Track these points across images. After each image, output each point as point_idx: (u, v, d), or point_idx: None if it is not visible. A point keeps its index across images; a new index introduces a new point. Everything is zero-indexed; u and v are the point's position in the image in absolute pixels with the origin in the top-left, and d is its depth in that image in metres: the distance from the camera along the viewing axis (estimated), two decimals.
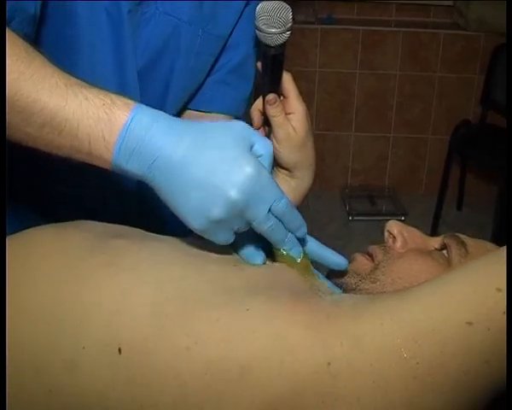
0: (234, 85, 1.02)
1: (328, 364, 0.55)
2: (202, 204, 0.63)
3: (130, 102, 0.66)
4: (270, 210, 0.64)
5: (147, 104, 0.95)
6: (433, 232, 2.94)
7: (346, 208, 3.26)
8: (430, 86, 3.29)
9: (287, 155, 0.86)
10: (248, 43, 1.01)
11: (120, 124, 0.63)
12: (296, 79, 0.87)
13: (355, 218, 3.20)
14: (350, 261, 0.76)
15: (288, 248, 0.70)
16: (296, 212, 0.68)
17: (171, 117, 0.67)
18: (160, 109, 0.99)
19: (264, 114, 0.85)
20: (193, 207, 0.63)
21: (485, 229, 2.79)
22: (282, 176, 0.89)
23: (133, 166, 0.64)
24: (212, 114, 1.01)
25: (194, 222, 0.64)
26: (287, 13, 0.80)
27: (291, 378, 0.55)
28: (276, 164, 0.89)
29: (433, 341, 0.54)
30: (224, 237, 0.66)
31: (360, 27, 3.20)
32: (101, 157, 0.64)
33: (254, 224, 0.65)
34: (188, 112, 1.02)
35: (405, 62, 3.25)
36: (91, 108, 0.64)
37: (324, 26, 3.20)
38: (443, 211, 3.02)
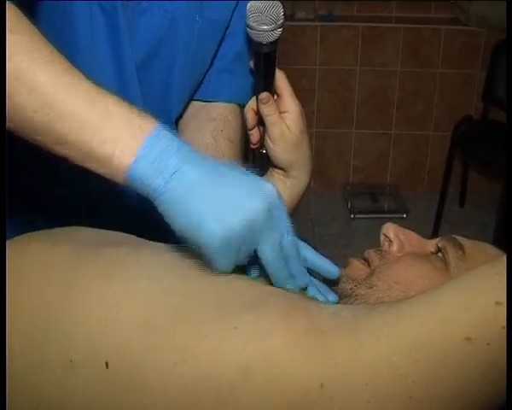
0: (239, 73, 1.00)
1: (321, 385, 0.53)
2: (223, 214, 0.61)
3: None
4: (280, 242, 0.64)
5: (150, 95, 0.95)
6: (436, 230, 2.93)
7: (347, 206, 3.25)
8: (431, 82, 3.27)
9: (281, 154, 0.85)
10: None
11: (153, 125, 0.63)
12: (296, 77, 0.86)
13: (357, 216, 3.19)
14: (345, 266, 0.74)
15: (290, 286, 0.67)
16: (298, 259, 0.67)
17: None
18: (165, 100, 0.99)
19: (258, 113, 0.85)
20: (213, 218, 0.61)
21: (488, 226, 2.77)
22: (277, 176, 0.88)
23: (153, 175, 0.61)
24: (218, 103, 1.00)
25: (211, 234, 0.60)
26: (277, 10, 0.79)
27: (281, 400, 0.54)
28: (272, 164, 0.88)
29: (430, 358, 0.53)
30: (228, 259, 0.63)
31: (360, 24, 3.19)
32: (124, 154, 0.62)
33: (264, 248, 0.63)
34: (193, 103, 1.01)
35: (406, 59, 3.24)
36: (123, 108, 0.64)
37: (324, 24, 3.19)
38: (445, 208, 3.01)
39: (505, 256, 0.55)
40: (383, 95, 3.31)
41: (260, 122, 0.86)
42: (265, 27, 0.79)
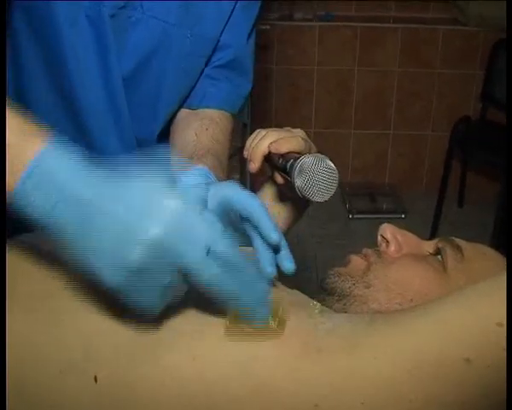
0: (227, 80, 1.00)
1: (316, 405, 0.52)
2: (117, 248, 0.50)
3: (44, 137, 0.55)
4: (208, 254, 0.52)
5: (137, 106, 0.95)
6: (434, 230, 2.92)
7: (346, 207, 3.24)
8: (430, 83, 3.27)
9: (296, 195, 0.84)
10: (239, 42, 1.00)
11: (32, 153, 0.53)
12: (295, 77, 0.86)
13: (355, 216, 3.18)
14: (345, 264, 0.74)
15: (249, 309, 0.54)
16: (254, 200, 0.56)
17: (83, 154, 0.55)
18: (153, 112, 0.99)
19: (269, 162, 0.77)
20: (106, 254, 0.50)
21: (487, 226, 2.77)
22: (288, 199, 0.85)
23: (37, 202, 0.52)
24: (205, 110, 1.00)
25: (109, 276, 0.50)
26: (333, 183, 0.71)
27: None
28: (282, 196, 0.85)
29: (429, 377, 0.51)
30: (152, 299, 0.52)
31: (359, 24, 3.18)
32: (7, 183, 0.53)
33: (191, 273, 0.52)
34: (181, 110, 1.01)
35: (404, 59, 3.23)
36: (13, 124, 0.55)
37: (323, 24, 3.18)
38: (444, 208, 3.00)
39: (505, 273, 0.54)
40: (382, 95, 3.30)
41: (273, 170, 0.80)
42: (316, 199, 0.73)
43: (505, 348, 0.50)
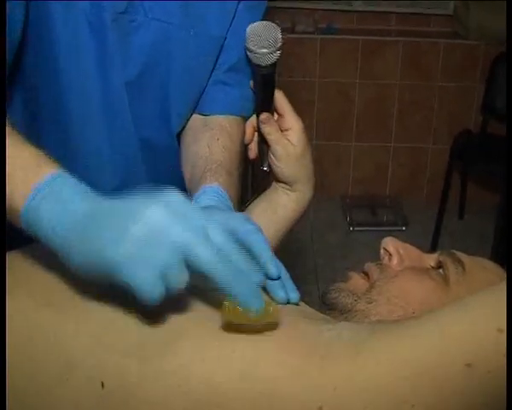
0: (234, 84, 1.00)
1: (320, 408, 0.53)
2: (118, 227, 0.53)
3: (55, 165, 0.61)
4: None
5: (148, 111, 0.95)
6: (435, 241, 2.92)
7: (346, 219, 3.25)
8: (430, 95, 3.28)
9: (286, 170, 0.88)
10: (244, 43, 1.00)
11: (41, 177, 0.59)
12: (296, 89, 0.89)
13: (356, 228, 3.19)
14: (345, 280, 0.74)
15: (245, 297, 0.55)
16: (258, 235, 0.60)
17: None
18: (164, 115, 0.98)
19: (259, 131, 0.87)
20: (107, 237, 0.54)
21: (487, 237, 2.77)
22: (282, 190, 0.91)
23: (44, 217, 0.57)
24: (215, 117, 0.99)
25: (111, 250, 0.53)
26: (276, 33, 0.85)
27: None
28: (277, 179, 0.89)
29: (429, 383, 0.52)
30: (148, 279, 0.53)
31: (360, 37, 3.20)
32: (15, 207, 0.59)
33: (189, 256, 0.54)
34: (194, 116, 1.01)
35: (405, 71, 3.25)
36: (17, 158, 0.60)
37: (324, 36, 3.20)
38: (444, 220, 3.00)
39: (505, 281, 0.55)
40: (382, 107, 3.31)
41: (263, 141, 0.88)
42: (265, 50, 0.84)
43: (505, 354, 0.51)
